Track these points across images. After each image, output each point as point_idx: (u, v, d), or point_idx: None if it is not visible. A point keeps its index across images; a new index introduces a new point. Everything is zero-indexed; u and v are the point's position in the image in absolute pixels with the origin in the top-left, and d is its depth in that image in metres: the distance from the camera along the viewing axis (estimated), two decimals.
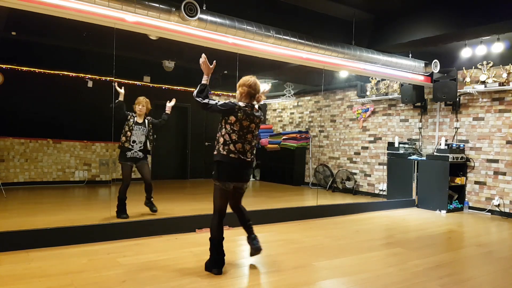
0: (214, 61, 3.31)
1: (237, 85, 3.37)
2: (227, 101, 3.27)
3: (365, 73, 6.49)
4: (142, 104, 5.28)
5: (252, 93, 3.30)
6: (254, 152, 3.39)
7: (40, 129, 8.19)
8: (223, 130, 3.24)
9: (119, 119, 5.11)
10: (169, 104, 5.45)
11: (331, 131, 9.46)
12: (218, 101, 3.25)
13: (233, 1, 5.23)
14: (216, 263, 3.24)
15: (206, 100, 3.19)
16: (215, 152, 3.27)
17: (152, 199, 5.46)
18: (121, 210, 5.12)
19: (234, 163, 3.21)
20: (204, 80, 3.24)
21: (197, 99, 3.20)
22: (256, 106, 3.34)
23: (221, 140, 3.24)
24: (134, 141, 5.19)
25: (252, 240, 3.49)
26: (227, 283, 3.04)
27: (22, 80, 7.95)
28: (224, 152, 3.20)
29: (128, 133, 5.17)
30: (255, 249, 3.47)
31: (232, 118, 3.20)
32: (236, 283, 3.07)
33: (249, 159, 3.30)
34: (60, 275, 3.08)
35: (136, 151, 5.21)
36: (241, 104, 3.24)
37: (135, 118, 5.23)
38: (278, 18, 5.46)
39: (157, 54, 7.58)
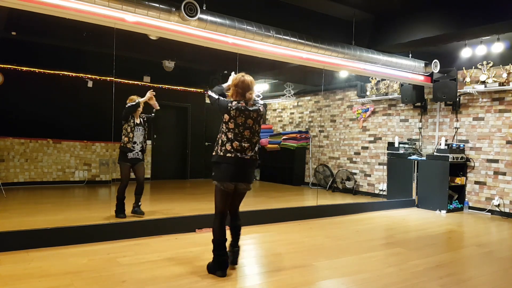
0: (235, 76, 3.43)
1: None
2: (225, 99, 3.28)
3: (365, 73, 6.49)
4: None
5: (239, 91, 3.24)
6: (256, 149, 3.28)
7: (40, 129, 8.19)
8: (221, 130, 3.25)
9: (125, 116, 5.13)
10: (152, 102, 5.35)
11: (331, 131, 9.46)
12: (220, 98, 3.28)
13: (233, 1, 5.23)
14: (220, 264, 3.18)
15: (214, 95, 3.31)
16: (213, 153, 3.25)
17: (140, 204, 5.28)
18: (120, 210, 5.12)
19: (232, 162, 3.16)
20: (225, 84, 3.44)
21: (210, 93, 3.35)
22: (253, 101, 3.25)
23: (219, 141, 3.23)
24: (135, 142, 5.19)
25: (234, 250, 3.40)
26: (227, 283, 3.04)
27: (22, 80, 7.95)
28: (221, 153, 3.18)
29: (131, 134, 5.16)
30: (232, 262, 3.34)
31: (226, 117, 3.19)
32: (236, 283, 3.07)
33: (249, 157, 3.21)
34: (60, 275, 3.08)
35: (137, 152, 5.22)
36: (234, 101, 3.22)
37: (134, 118, 5.22)
38: (278, 18, 5.46)
39: (157, 54, 7.59)
